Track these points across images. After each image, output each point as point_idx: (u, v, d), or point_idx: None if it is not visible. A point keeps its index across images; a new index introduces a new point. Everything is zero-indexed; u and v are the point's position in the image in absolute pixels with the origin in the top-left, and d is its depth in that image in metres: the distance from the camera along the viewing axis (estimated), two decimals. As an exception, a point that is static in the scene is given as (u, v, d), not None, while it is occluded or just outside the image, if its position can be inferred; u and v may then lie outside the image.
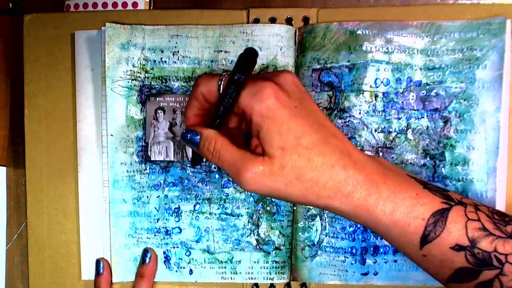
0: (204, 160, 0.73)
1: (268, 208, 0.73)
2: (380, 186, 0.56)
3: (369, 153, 0.72)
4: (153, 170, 0.74)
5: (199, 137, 0.60)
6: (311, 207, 0.73)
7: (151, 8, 0.77)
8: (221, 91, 0.59)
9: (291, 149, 0.55)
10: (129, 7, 0.76)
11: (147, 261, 0.74)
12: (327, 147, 0.56)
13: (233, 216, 0.74)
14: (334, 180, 0.56)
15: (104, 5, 0.77)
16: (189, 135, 0.60)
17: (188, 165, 0.74)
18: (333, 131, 0.58)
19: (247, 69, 0.57)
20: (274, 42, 0.72)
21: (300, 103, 0.58)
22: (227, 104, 0.57)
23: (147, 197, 0.74)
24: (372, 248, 0.73)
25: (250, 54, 0.58)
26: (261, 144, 0.57)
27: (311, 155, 0.56)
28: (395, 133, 0.71)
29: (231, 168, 0.58)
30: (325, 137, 0.57)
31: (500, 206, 0.71)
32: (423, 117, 0.71)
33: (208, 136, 0.59)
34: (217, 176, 0.74)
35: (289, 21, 0.74)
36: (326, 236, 0.73)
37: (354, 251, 0.73)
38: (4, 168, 0.79)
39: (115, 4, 0.76)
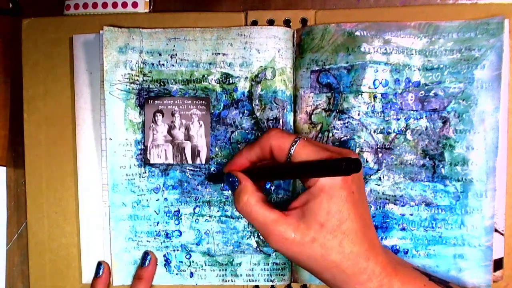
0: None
1: (268, 210, 0.73)
2: (393, 278, 0.59)
3: (368, 154, 0.72)
4: (153, 173, 0.74)
5: (237, 182, 0.62)
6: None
7: (151, 7, 0.77)
8: (290, 158, 0.60)
9: (330, 229, 0.57)
10: (129, 6, 0.76)
11: (146, 263, 0.74)
12: (361, 237, 0.58)
13: (233, 218, 0.74)
14: (354, 268, 0.58)
15: (104, 5, 0.77)
16: (231, 179, 0.63)
17: (187, 167, 0.74)
18: (369, 222, 0.61)
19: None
20: (272, 44, 0.72)
21: (358, 189, 0.60)
22: (292, 178, 0.59)
23: (147, 200, 0.74)
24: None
25: (353, 168, 0.54)
26: (304, 209, 0.59)
27: (344, 240, 0.57)
28: (394, 134, 0.71)
29: (261, 227, 0.59)
30: (363, 227, 0.59)
31: (500, 205, 0.71)
32: (422, 118, 0.71)
33: (245, 189, 0.61)
34: (216, 178, 0.74)
35: (287, 23, 0.74)
36: (326, 237, 0.73)
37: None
38: (4, 168, 0.79)
39: (115, 4, 0.76)
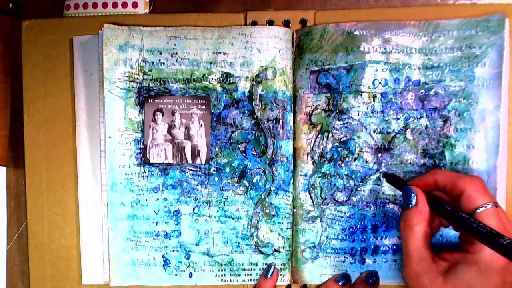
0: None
1: (267, 210, 0.73)
2: None
3: (368, 154, 0.72)
4: (152, 173, 0.74)
5: (414, 202, 0.62)
6: (311, 209, 0.73)
7: (151, 7, 0.77)
8: (473, 214, 0.59)
9: None
10: (129, 7, 0.77)
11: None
12: None
13: (233, 218, 0.74)
14: None
15: (104, 5, 0.77)
16: (410, 195, 0.63)
17: (187, 167, 0.74)
18: None
19: None
20: (272, 44, 0.72)
21: None
22: (466, 232, 0.59)
23: (146, 200, 0.74)
24: (372, 248, 0.72)
25: None
26: (451, 267, 0.59)
27: None
28: (394, 133, 0.71)
29: (406, 254, 0.61)
30: None
31: (500, 204, 0.70)
32: (422, 117, 0.71)
33: (420, 214, 0.62)
34: (216, 178, 0.74)
35: (286, 24, 0.75)
36: (327, 238, 0.73)
37: (354, 251, 0.73)
38: (4, 168, 0.79)
39: (115, 4, 0.77)
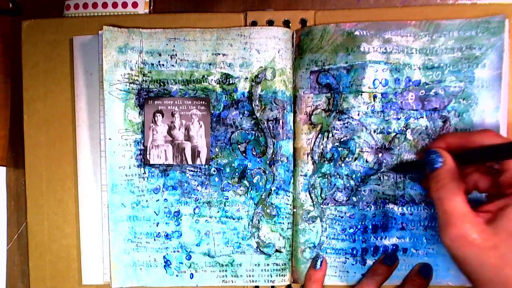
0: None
1: (268, 210, 0.73)
2: None
3: (368, 154, 0.72)
4: (152, 174, 0.74)
5: (441, 163, 0.60)
6: (311, 209, 0.73)
7: (151, 7, 0.77)
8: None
9: None
10: (129, 7, 0.77)
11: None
12: None
13: (233, 219, 0.74)
14: None
15: (104, 5, 0.77)
16: (433, 156, 0.60)
17: (187, 168, 0.74)
18: None
19: None
20: (272, 44, 0.72)
21: None
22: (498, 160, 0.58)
23: (147, 201, 0.74)
24: (372, 249, 0.72)
25: None
26: (497, 214, 0.56)
27: None
28: (394, 133, 0.71)
29: (445, 215, 0.57)
30: None
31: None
32: (422, 117, 0.71)
33: (449, 172, 0.59)
34: (216, 179, 0.74)
35: (286, 24, 0.74)
36: (327, 238, 0.73)
37: (354, 252, 0.73)
38: (4, 168, 0.79)
39: (115, 4, 0.77)
